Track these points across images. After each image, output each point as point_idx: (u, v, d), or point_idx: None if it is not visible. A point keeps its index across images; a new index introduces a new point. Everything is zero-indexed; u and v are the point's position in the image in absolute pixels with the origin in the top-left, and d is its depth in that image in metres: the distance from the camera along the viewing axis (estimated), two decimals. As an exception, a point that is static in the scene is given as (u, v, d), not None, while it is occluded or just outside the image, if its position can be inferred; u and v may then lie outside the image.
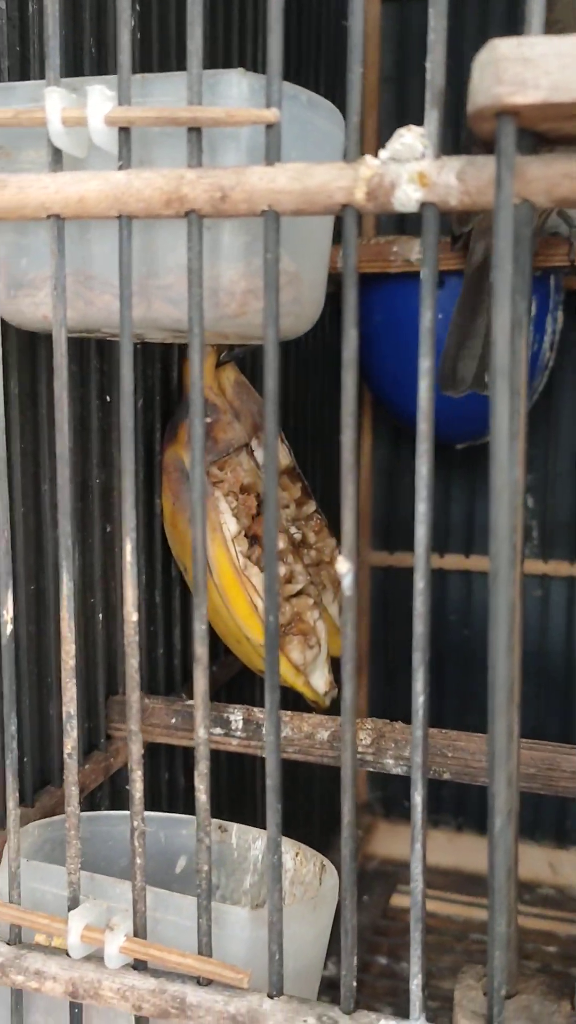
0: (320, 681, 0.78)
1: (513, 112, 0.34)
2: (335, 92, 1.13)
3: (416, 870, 0.40)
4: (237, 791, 0.93)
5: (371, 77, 1.24)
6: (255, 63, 0.90)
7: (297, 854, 0.56)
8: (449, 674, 1.30)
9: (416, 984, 0.41)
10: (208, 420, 0.74)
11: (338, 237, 0.50)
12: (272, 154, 0.39)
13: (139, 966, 0.44)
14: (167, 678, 0.79)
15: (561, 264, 0.95)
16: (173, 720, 0.69)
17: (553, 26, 0.93)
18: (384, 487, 1.33)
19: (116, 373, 0.70)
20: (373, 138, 1.24)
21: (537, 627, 1.27)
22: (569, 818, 1.27)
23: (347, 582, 0.40)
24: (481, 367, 0.87)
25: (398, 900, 1.26)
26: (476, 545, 1.29)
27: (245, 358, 0.84)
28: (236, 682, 0.91)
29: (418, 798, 0.40)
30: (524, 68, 0.33)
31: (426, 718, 0.40)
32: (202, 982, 0.43)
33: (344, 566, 0.40)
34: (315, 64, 1.07)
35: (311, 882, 0.55)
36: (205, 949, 0.43)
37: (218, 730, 0.68)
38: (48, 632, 0.63)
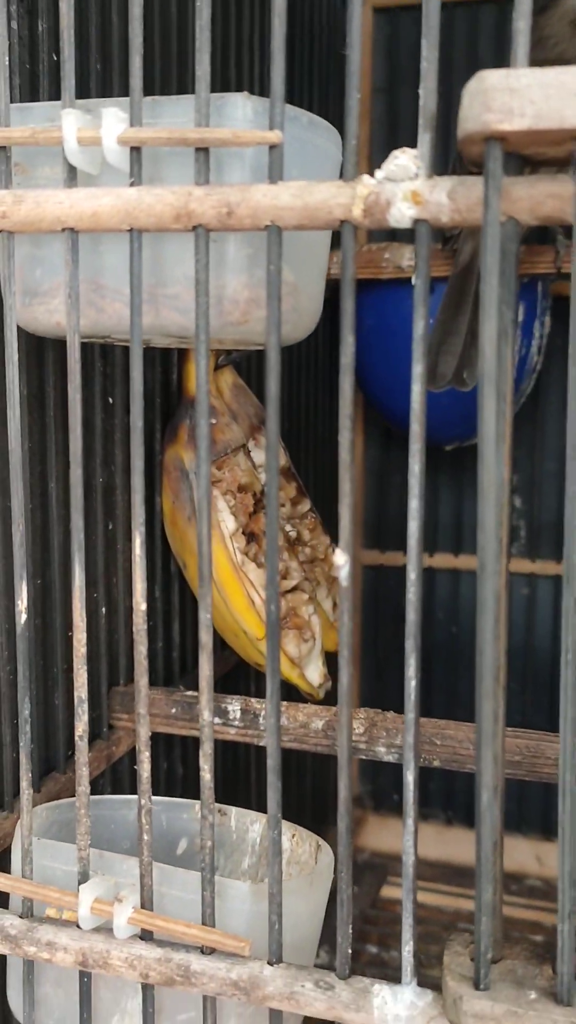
0: (315, 674, 0.81)
1: (500, 138, 0.37)
2: (328, 101, 1.16)
3: (408, 843, 0.43)
4: (232, 779, 0.96)
5: (362, 87, 1.27)
6: (251, 74, 0.92)
7: (293, 835, 0.59)
8: (437, 670, 1.33)
9: (408, 951, 0.44)
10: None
11: (335, 244, 0.53)
12: (275, 173, 0.42)
13: (146, 936, 0.47)
14: (166, 670, 0.82)
15: (547, 271, 0.98)
16: (173, 710, 0.72)
17: (547, 41, 0.96)
18: (375, 487, 1.35)
19: (118, 376, 0.72)
20: (365, 147, 1.27)
21: (524, 624, 1.29)
22: (554, 810, 1.30)
23: (344, 573, 0.42)
24: (460, 364, 0.90)
25: (388, 891, 1.28)
26: (464, 544, 1.32)
27: (241, 362, 0.86)
28: (232, 675, 0.93)
29: (410, 777, 0.43)
30: (511, 98, 0.36)
31: (418, 700, 0.43)
32: (205, 951, 0.46)
33: (341, 558, 0.42)
34: (308, 74, 1.10)
35: (307, 862, 0.57)
36: (208, 920, 0.46)
37: (216, 719, 0.71)
38: (54, 625, 0.66)
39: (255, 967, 0.45)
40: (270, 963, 0.45)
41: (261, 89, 0.94)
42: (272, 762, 0.45)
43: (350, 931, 0.44)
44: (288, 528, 0.84)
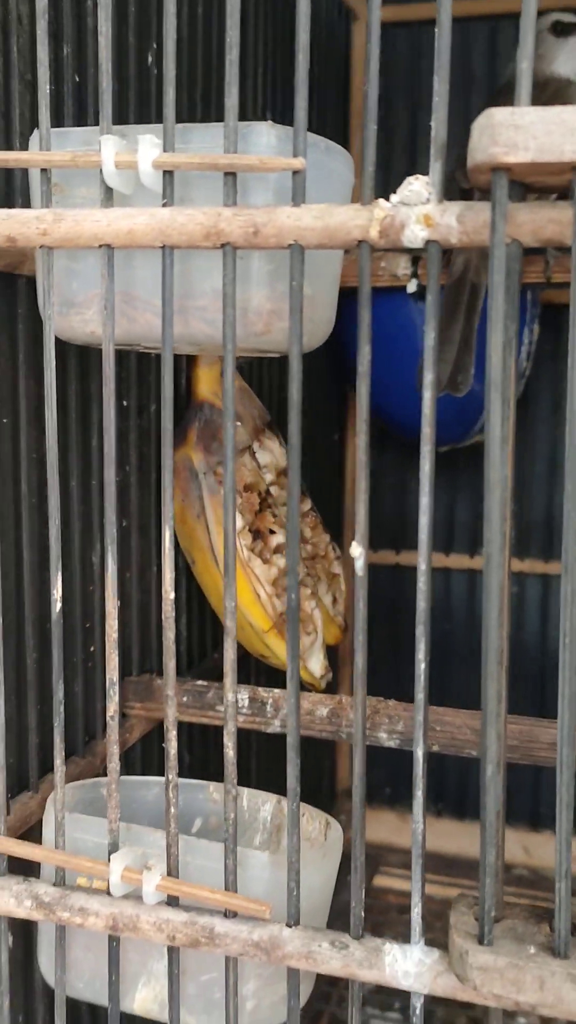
0: (316, 665, 0.84)
1: (506, 168, 0.41)
2: (326, 107, 1.20)
3: (417, 812, 0.47)
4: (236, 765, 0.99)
5: (358, 98, 1.31)
6: (255, 81, 0.96)
7: (304, 814, 0.62)
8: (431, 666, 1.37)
9: (416, 912, 0.47)
10: (216, 423, 0.80)
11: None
12: (298, 196, 0.45)
13: (172, 902, 0.50)
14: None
15: (537, 280, 1.02)
16: (184, 698, 0.76)
17: (541, 60, 1.00)
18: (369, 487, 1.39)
19: (132, 380, 0.76)
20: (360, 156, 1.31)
21: (513, 621, 1.34)
22: (542, 803, 1.34)
23: (359, 564, 0.46)
24: (454, 370, 0.94)
25: (380, 880, 1.32)
26: (455, 544, 1.36)
27: (244, 366, 0.90)
28: (237, 667, 0.97)
29: (420, 752, 0.47)
30: (516, 133, 0.40)
31: (427, 682, 0.47)
32: (228, 915, 0.49)
33: (357, 550, 0.46)
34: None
35: (317, 838, 0.61)
36: (231, 886, 0.49)
37: (226, 707, 0.74)
38: (74, 616, 0.69)
39: (275, 929, 0.49)
40: (289, 925, 0.49)
41: (268, 94, 0.98)
42: (291, 739, 0.48)
43: (363, 895, 0.48)
44: (291, 526, 0.87)
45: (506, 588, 0.45)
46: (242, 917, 0.49)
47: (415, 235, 0.44)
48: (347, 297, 1.08)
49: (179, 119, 0.49)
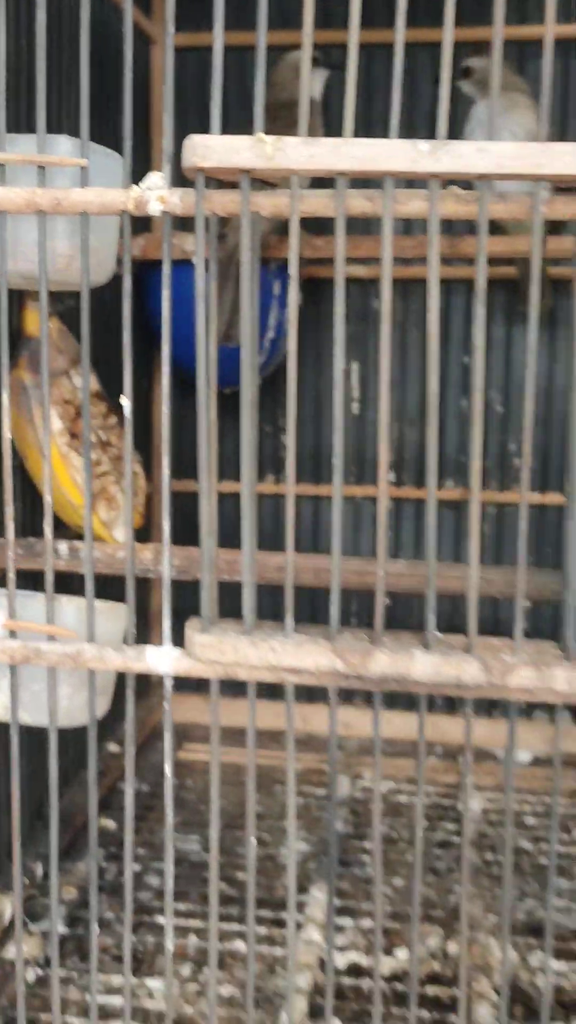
0: (120, 535, 1.13)
1: (202, 169, 0.71)
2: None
3: (165, 551, 0.76)
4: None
5: (157, 108, 1.60)
6: (77, 101, 1.24)
7: (105, 606, 0.91)
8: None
9: (167, 624, 0.77)
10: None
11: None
12: (84, 182, 0.74)
13: (12, 636, 0.78)
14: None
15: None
16: (20, 551, 1.03)
17: (276, 86, 1.32)
18: (174, 427, 1.68)
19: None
20: (173, 145, 1.60)
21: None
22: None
23: (127, 410, 0.75)
24: (228, 327, 1.23)
25: (184, 755, 1.61)
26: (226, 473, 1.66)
27: (66, 315, 1.18)
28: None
29: (166, 525, 0.76)
30: (206, 150, 0.70)
31: (170, 524, 0.76)
32: (50, 639, 0.78)
33: (125, 401, 0.75)
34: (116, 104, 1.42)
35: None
36: (51, 621, 0.78)
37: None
38: None
39: (79, 645, 0.77)
40: (87, 643, 0.77)
41: (74, 108, 1.25)
42: (87, 538, 0.77)
43: (134, 626, 0.77)
44: (101, 434, 1.16)
45: (213, 463, 0.75)
46: (59, 641, 0.78)
47: (155, 208, 0.74)
48: (151, 270, 1.36)
49: (16, 122, 0.76)
